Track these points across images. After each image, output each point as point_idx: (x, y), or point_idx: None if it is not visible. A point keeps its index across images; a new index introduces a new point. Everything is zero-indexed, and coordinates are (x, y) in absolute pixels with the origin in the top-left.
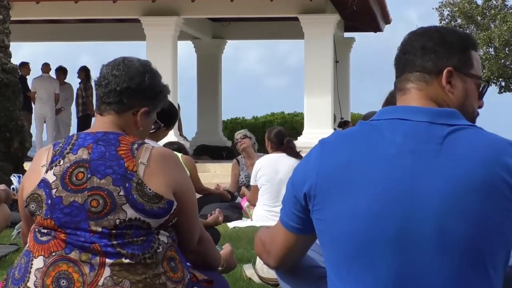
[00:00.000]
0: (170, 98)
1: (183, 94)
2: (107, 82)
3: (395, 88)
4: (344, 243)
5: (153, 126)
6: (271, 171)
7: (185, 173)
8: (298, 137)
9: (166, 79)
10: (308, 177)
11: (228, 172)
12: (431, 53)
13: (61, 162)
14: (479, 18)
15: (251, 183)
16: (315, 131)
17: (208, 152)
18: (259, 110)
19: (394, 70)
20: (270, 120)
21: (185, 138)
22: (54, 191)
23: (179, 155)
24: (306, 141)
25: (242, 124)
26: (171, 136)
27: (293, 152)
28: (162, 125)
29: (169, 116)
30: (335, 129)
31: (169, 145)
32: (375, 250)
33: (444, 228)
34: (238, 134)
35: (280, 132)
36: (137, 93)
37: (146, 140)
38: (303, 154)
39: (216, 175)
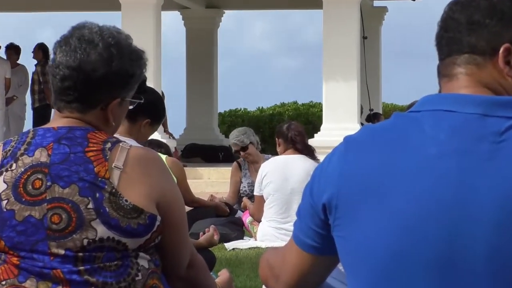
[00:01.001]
0: (152, 84)
1: (169, 79)
2: (63, 76)
3: (438, 74)
4: (373, 267)
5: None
6: (280, 177)
7: (171, 180)
8: (315, 134)
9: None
10: (329, 184)
11: (225, 178)
12: (480, 28)
13: (13, 166)
14: None
15: (255, 192)
16: (337, 126)
17: (201, 153)
18: (266, 99)
19: (436, 50)
20: (279, 112)
21: (170, 135)
22: (4, 203)
23: (164, 157)
24: (325, 140)
25: (243, 118)
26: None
27: (309, 152)
28: (142, 99)
29: (153, 110)
30: (362, 123)
31: (148, 144)
32: (412, 275)
33: (497, 249)
34: (235, 140)
35: (294, 128)
36: (102, 85)
37: (121, 137)
38: (320, 157)
39: (210, 182)
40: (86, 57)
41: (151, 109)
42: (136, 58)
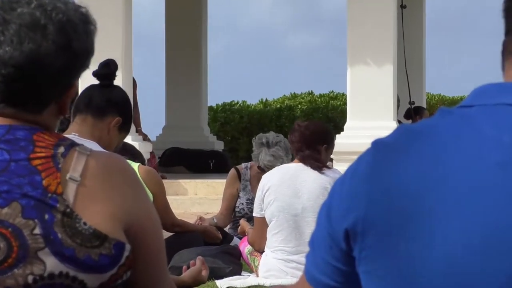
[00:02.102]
0: (120, 70)
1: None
2: (8, 77)
3: (503, 52)
4: None
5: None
6: (288, 192)
7: (145, 197)
8: (337, 136)
9: (113, 35)
10: (353, 203)
11: (218, 194)
12: None
13: None
14: None
15: (255, 213)
16: (366, 124)
17: (185, 161)
18: (272, 89)
19: (502, 24)
20: (289, 106)
21: (145, 137)
22: None
23: (135, 166)
24: (349, 143)
25: (241, 113)
26: None
27: (317, 167)
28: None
29: (125, 108)
30: (399, 121)
31: (122, 150)
32: None
33: None
34: (271, 161)
35: (320, 129)
36: (61, 77)
37: (79, 139)
38: (342, 166)
39: (197, 199)
40: (36, 48)
41: (123, 105)
42: (91, 30)
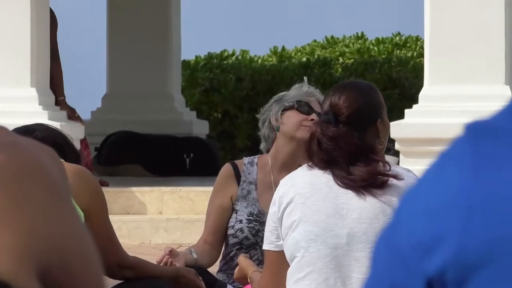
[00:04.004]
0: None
1: None
2: None
3: None
4: None
5: None
6: (325, 208)
7: (73, 218)
8: (405, 111)
9: None
10: (439, 233)
11: (198, 211)
12: None
13: None
14: None
15: (266, 244)
16: (456, 92)
17: (141, 155)
18: (293, 31)
19: None
20: (323, 58)
21: (72, 112)
22: None
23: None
24: (426, 123)
25: (240, 71)
26: (25, 104)
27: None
28: None
29: None
30: None
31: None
32: None
33: None
34: (309, 92)
35: (344, 99)
36: None
37: None
38: (413, 165)
39: (163, 221)
40: None
41: None
42: None
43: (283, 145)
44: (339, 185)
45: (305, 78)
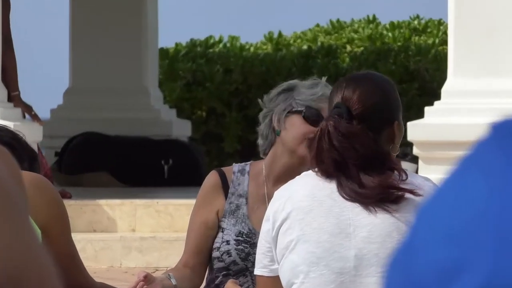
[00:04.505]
0: None
1: None
2: None
3: None
4: None
5: None
6: (329, 225)
7: (27, 234)
8: (425, 108)
9: None
10: (465, 256)
11: (178, 229)
12: None
13: None
14: None
15: (258, 268)
16: (485, 85)
17: (109, 161)
18: (291, 14)
19: None
20: (327, 46)
21: (28, 110)
22: None
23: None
24: (449, 124)
25: (229, 61)
26: None
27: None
28: None
29: None
30: None
31: None
32: None
33: None
34: (319, 93)
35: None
36: None
37: None
38: (433, 174)
39: (136, 240)
40: None
41: None
42: None
43: (281, 155)
44: (344, 197)
45: (324, 79)
